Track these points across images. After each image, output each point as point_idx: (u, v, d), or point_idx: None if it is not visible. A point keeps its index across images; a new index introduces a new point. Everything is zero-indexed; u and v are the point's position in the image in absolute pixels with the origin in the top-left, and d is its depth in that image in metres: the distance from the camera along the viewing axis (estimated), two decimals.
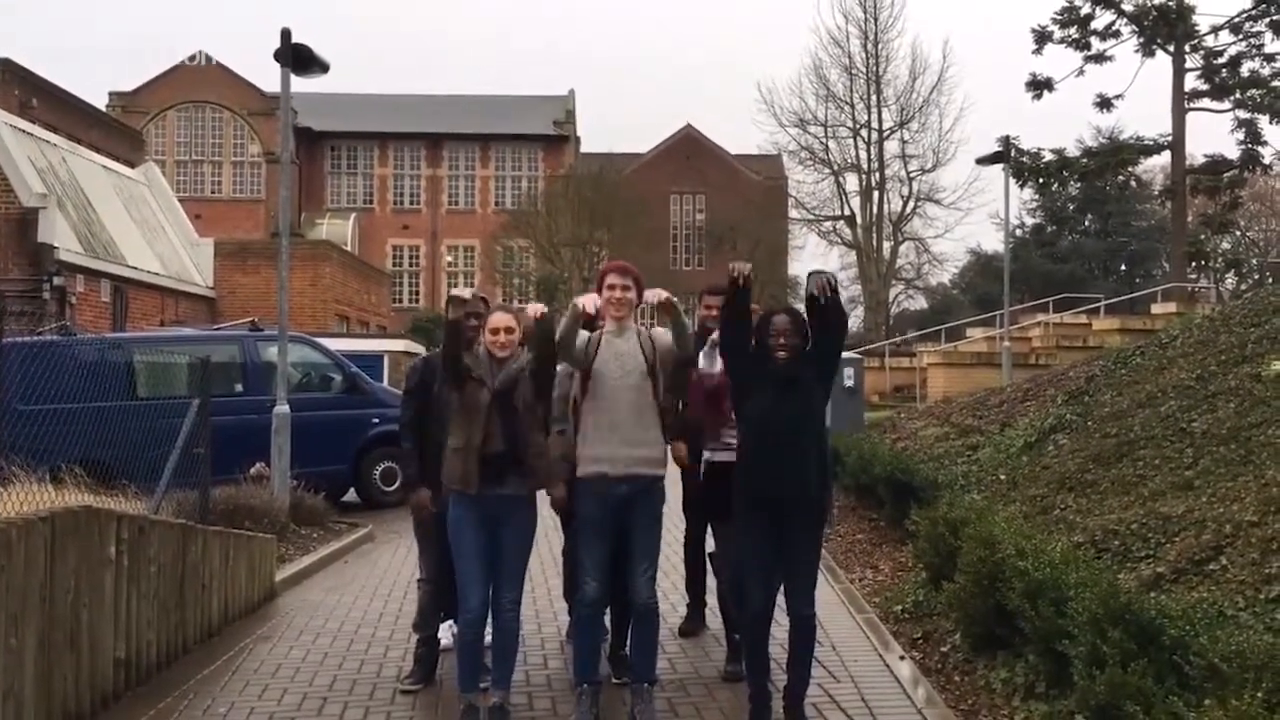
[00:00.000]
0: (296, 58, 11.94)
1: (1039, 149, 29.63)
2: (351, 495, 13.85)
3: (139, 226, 25.92)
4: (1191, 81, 29.28)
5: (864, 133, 44.82)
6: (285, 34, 11.89)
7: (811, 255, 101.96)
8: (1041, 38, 29.37)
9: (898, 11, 57.53)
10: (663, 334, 5.55)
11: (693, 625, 7.05)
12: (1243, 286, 40.08)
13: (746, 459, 5.28)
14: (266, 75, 46.13)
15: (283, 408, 11.40)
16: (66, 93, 28.68)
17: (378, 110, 53.07)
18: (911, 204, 45.60)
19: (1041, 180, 30.64)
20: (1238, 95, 28.78)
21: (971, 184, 51.23)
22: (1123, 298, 33.19)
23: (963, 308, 44.43)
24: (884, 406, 23.01)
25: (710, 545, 6.60)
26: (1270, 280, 32.95)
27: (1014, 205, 38.06)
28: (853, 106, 44.79)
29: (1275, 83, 28.54)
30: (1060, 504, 8.33)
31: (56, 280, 20.47)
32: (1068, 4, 29.28)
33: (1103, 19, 29.35)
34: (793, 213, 48.49)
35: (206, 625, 7.24)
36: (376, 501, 13.61)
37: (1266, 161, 29.24)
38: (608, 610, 5.85)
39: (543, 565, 8.42)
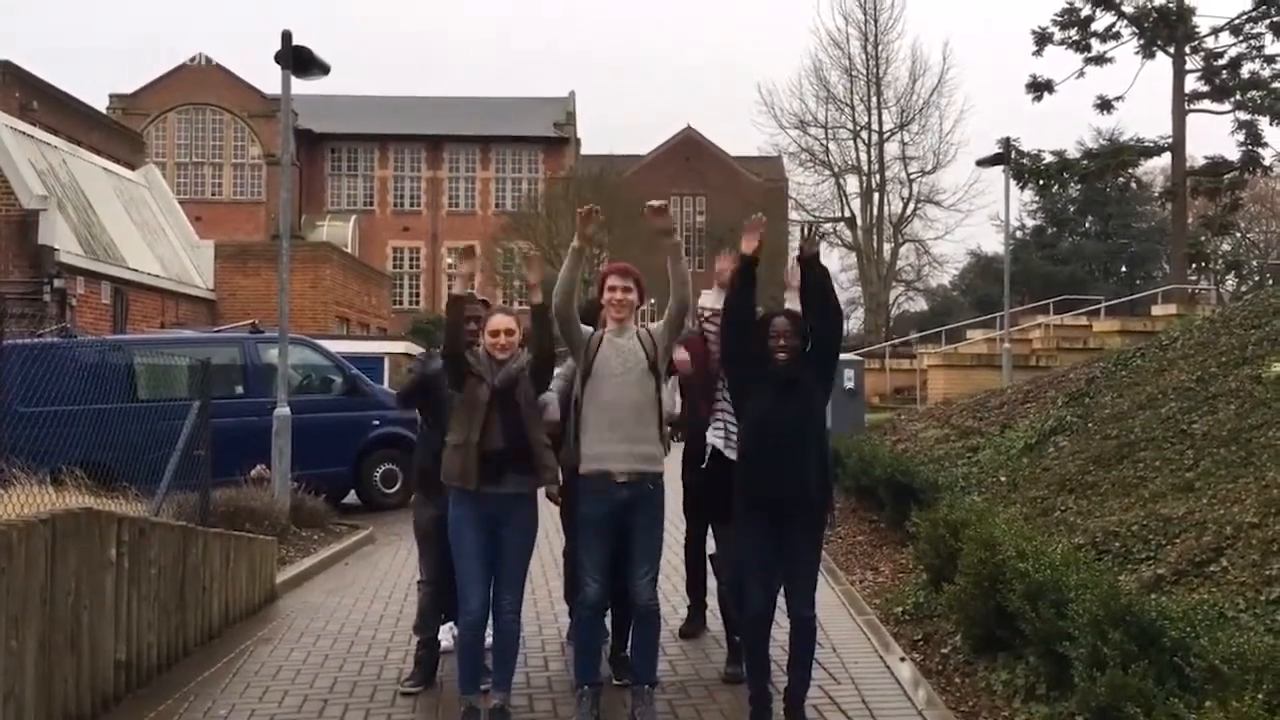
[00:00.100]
0: (297, 60, 11.95)
1: (1039, 151, 29.69)
2: (352, 497, 13.85)
3: (139, 229, 25.94)
4: (1192, 83, 29.32)
5: (864, 134, 44.90)
6: (286, 36, 11.90)
7: None
8: (1042, 39, 29.39)
9: (898, 13, 57.77)
10: (659, 325, 5.57)
11: (693, 627, 7.05)
12: (1243, 288, 40.07)
13: (747, 460, 5.29)
14: (267, 77, 46.23)
15: (283, 410, 11.40)
16: (67, 95, 28.71)
17: (378, 112, 53.12)
18: (912, 206, 45.70)
19: (1042, 182, 30.65)
20: (1238, 97, 28.80)
21: (972, 186, 51.38)
22: (1123, 299, 33.19)
23: (963, 309, 44.45)
24: (884, 408, 23.02)
25: (711, 547, 6.60)
26: (1271, 282, 32.95)
27: (1014, 207, 38.13)
28: (853, 108, 44.88)
29: (1275, 84, 28.56)
30: (1061, 506, 8.33)
31: (57, 282, 20.48)
32: (1068, 5, 29.31)
33: (1103, 21, 29.42)
34: (793, 214, 48.48)
35: (207, 627, 7.24)
36: (377, 504, 13.61)
37: (1267, 163, 29.26)
38: (608, 612, 5.85)
39: (543, 567, 8.42)
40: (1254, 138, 28.55)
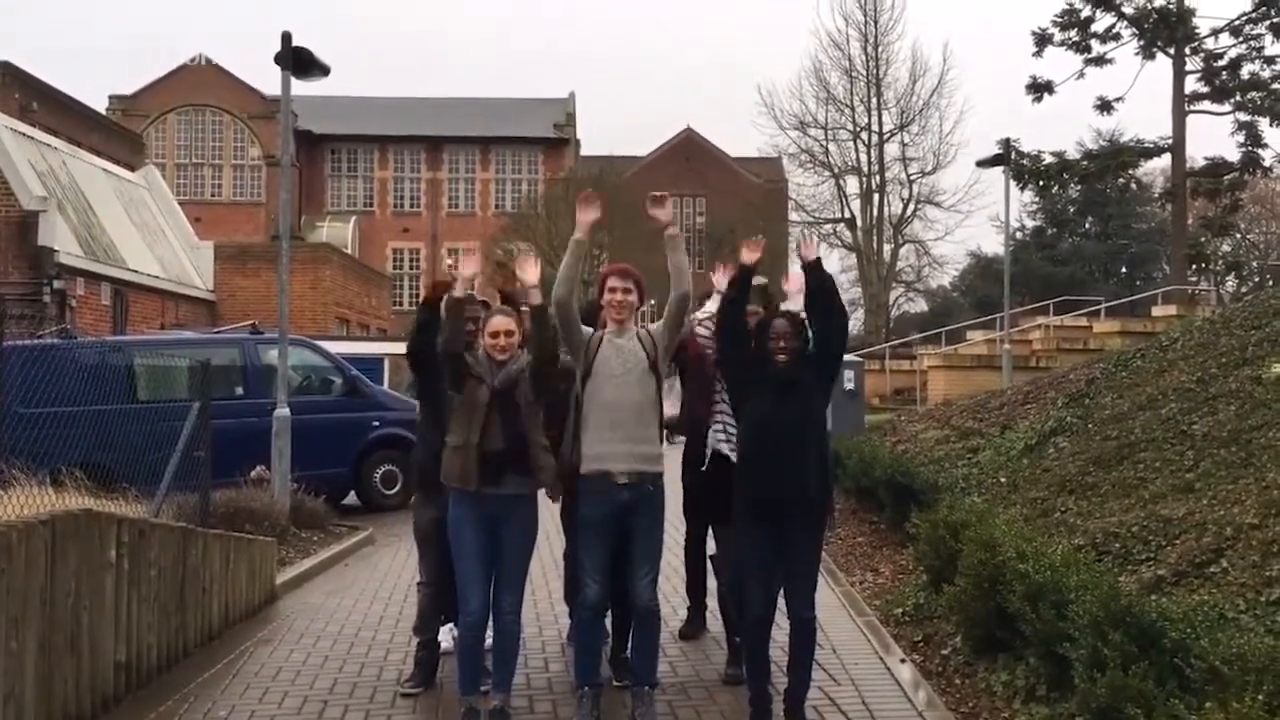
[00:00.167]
0: (297, 61, 11.95)
1: (1039, 152, 29.72)
2: (352, 498, 13.84)
3: (139, 230, 25.95)
4: (1192, 84, 29.33)
5: (864, 135, 44.87)
6: (286, 37, 11.90)
7: None
8: (1041, 40, 29.40)
9: (898, 14, 57.80)
10: (658, 325, 5.57)
11: (693, 628, 7.05)
12: (1243, 289, 40.08)
13: (747, 461, 5.29)
14: (267, 78, 46.19)
15: (283, 411, 11.40)
16: (67, 96, 28.72)
17: (378, 113, 53.13)
18: (912, 206, 45.67)
19: (1042, 183, 30.67)
20: (1238, 98, 28.82)
21: (972, 187, 51.16)
22: (1123, 300, 33.18)
23: (963, 310, 44.45)
24: (884, 409, 23.01)
25: (711, 548, 6.60)
26: (1271, 283, 32.95)
27: (1014, 208, 38.07)
28: (853, 109, 44.86)
29: (1275, 85, 28.58)
30: (1061, 506, 8.33)
31: (57, 283, 20.49)
32: (1068, 6, 29.33)
33: (1103, 22, 29.44)
34: (793, 215, 48.51)
35: (207, 628, 7.24)
36: (377, 505, 13.60)
37: (1267, 164, 29.28)
38: (609, 613, 5.85)
39: (543, 568, 8.41)
40: (1254, 139, 28.56)
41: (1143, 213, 48.46)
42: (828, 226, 46.78)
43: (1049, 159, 29.67)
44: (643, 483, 5.34)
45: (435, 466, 5.68)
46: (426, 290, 6.02)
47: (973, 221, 51.69)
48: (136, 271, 24.14)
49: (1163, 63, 29.50)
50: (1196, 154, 31.60)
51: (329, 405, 13.75)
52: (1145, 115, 46.31)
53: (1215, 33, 29.15)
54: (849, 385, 16.58)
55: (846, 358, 20.08)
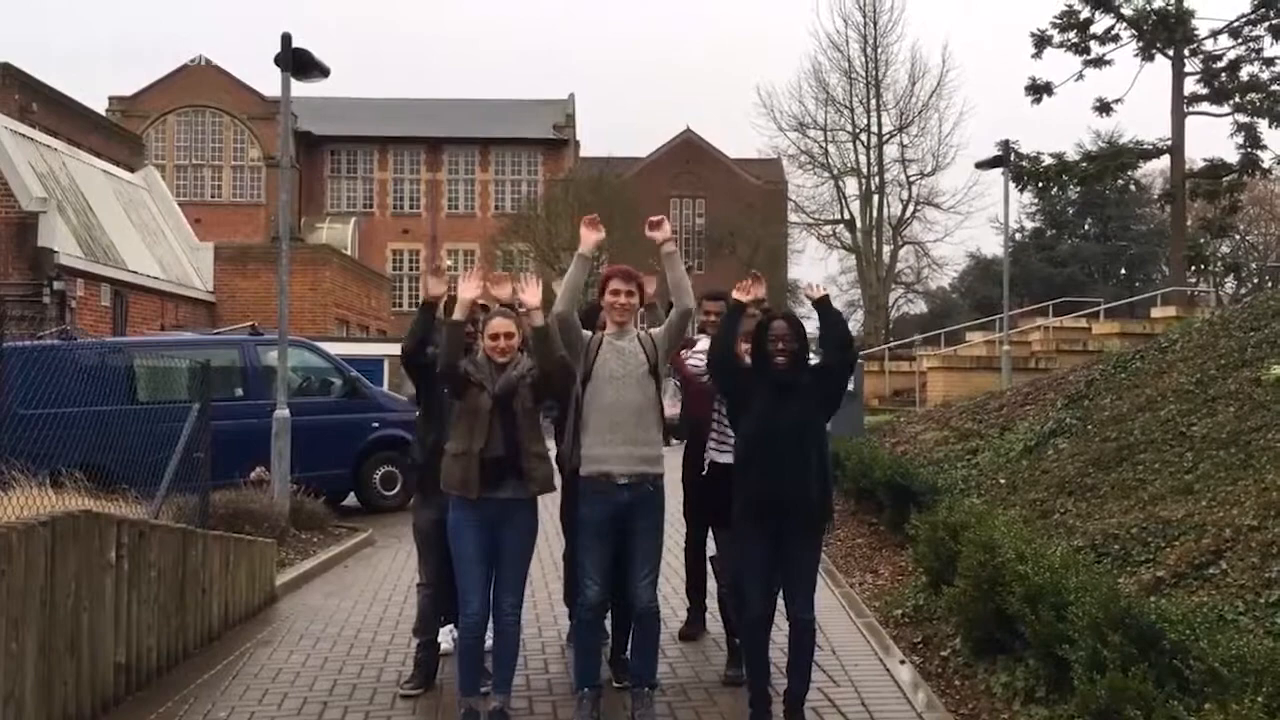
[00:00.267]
0: (297, 62, 11.96)
1: (1038, 153, 29.74)
2: (351, 499, 13.84)
3: (139, 231, 25.95)
4: (1191, 85, 29.35)
5: (863, 137, 44.89)
6: (286, 39, 11.91)
7: (811, 259, 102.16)
8: (1041, 42, 29.41)
9: (896, 16, 57.63)
10: (659, 330, 5.57)
11: (693, 629, 7.05)
12: (1242, 290, 40.12)
13: (746, 463, 5.29)
14: (267, 79, 46.19)
15: (283, 412, 11.40)
16: (66, 97, 28.71)
17: (377, 114, 53.11)
18: (911, 208, 45.71)
19: (1041, 184, 30.69)
20: (1237, 99, 28.83)
21: (971, 188, 51.20)
22: (1122, 301, 33.21)
23: (962, 311, 44.51)
24: (884, 410, 23.00)
25: (711, 549, 6.60)
26: (1270, 284, 32.96)
27: (1013, 209, 38.04)
28: (852, 110, 44.88)
29: (1274, 87, 28.58)
30: (1060, 508, 8.33)
31: (57, 284, 20.50)
32: (1067, 8, 29.34)
33: (1102, 23, 29.45)
34: (792, 217, 48.59)
35: (206, 630, 7.24)
36: (376, 506, 13.60)
37: (1265, 165, 29.27)
38: (608, 614, 5.85)
39: (543, 569, 8.42)
40: (1253, 140, 28.57)
41: (1142, 214, 48.53)
42: (827, 227, 46.87)
43: (1048, 160, 29.68)
44: (643, 483, 5.35)
45: (434, 468, 5.68)
46: (425, 295, 6.00)
47: (972, 223, 51.90)
48: (136, 273, 24.15)
49: (1162, 64, 29.53)
50: (1195, 155, 31.66)
51: (329, 406, 13.75)
52: (1144, 117, 46.51)
53: (1214, 34, 29.20)
54: (848, 387, 16.57)
55: None
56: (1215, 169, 29.43)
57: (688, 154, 56.73)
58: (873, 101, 44.71)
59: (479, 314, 5.88)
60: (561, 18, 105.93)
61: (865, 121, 44.70)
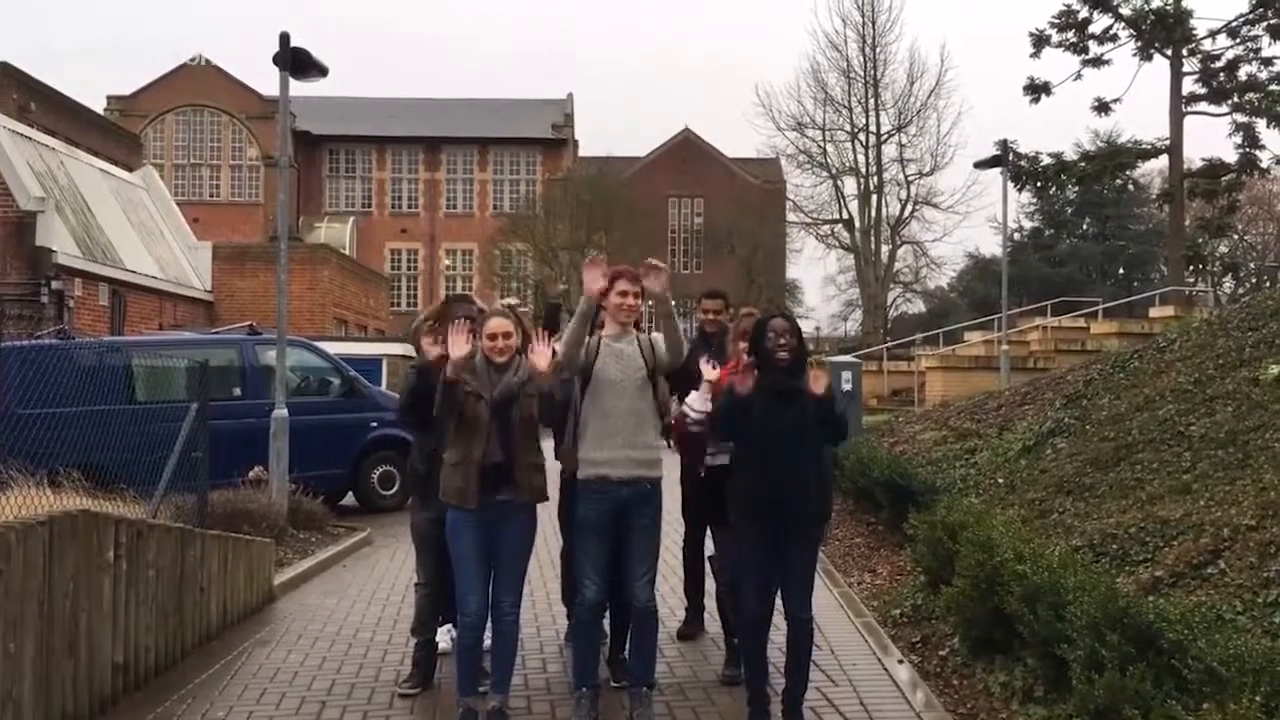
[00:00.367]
0: (295, 62, 11.95)
1: (1037, 153, 29.77)
2: (350, 499, 13.84)
3: (137, 230, 25.93)
4: (1189, 85, 29.37)
5: (862, 136, 44.91)
6: (284, 38, 11.90)
7: (809, 259, 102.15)
8: (1039, 41, 29.42)
9: (895, 16, 57.55)
10: (661, 339, 5.55)
11: (691, 629, 7.05)
12: (1240, 290, 40.13)
13: (746, 463, 5.28)
14: (265, 79, 46.17)
15: (281, 411, 11.40)
16: (65, 96, 28.68)
17: (376, 114, 53.09)
18: (909, 207, 45.76)
19: (1039, 184, 30.71)
20: (1235, 99, 28.85)
21: (969, 188, 51.22)
22: (1120, 301, 33.21)
23: (961, 311, 44.50)
24: (882, 410, 23.01)
25: (709, 548, 6.60)
26: (1268, 284, 32.98)
27: (1012, 209, 38.05)
28: (850, 110, 44.91)
29: (1273, 86, 28.60)
30: (1058, 508, 8.34)
31: (55, 284, 20.47)
32: (1065, 8, 29.35)
33: (1100, 23, 29.47)
34: (791, 216, 48.59)
35: (205, 629, 7.24)
36: (375, 505, 13.59)
37: (1264, 165, 29.31)
38: (606, 613, 5.85)
39: (541, 568, 8.42)
40: (1251, 140, 28.60)
41: (1140, 214, 48.56)
42: (826, 227, 46.87)
43: (1047, 160, 29.71)
44: (641, 482, 5.34)
45: (432, 468, 5.67)
46: (434, 359, 5.70)
47: (971, 222, 51.97)
48: (134, 272, 24.12)
49: (1160, 64, 29.56)
50: (1194, 155, 31.69)
51: (327, 406, 13.75)
52: (1143, 117, 46.56)
53: (1213, 34, 29.22)
54: (847, 386, 16.59)
55: (844, 358, 20.08)
56: (1213, 169, 29.45)
57: (686, 153, 56.72)
58: (871, 101, 44.76)
59: (475, 311, 5.89)
60: (560, 18, 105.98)
61: (864, 121, 44.78)
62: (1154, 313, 26.53)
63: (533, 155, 54.29)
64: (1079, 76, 29.93)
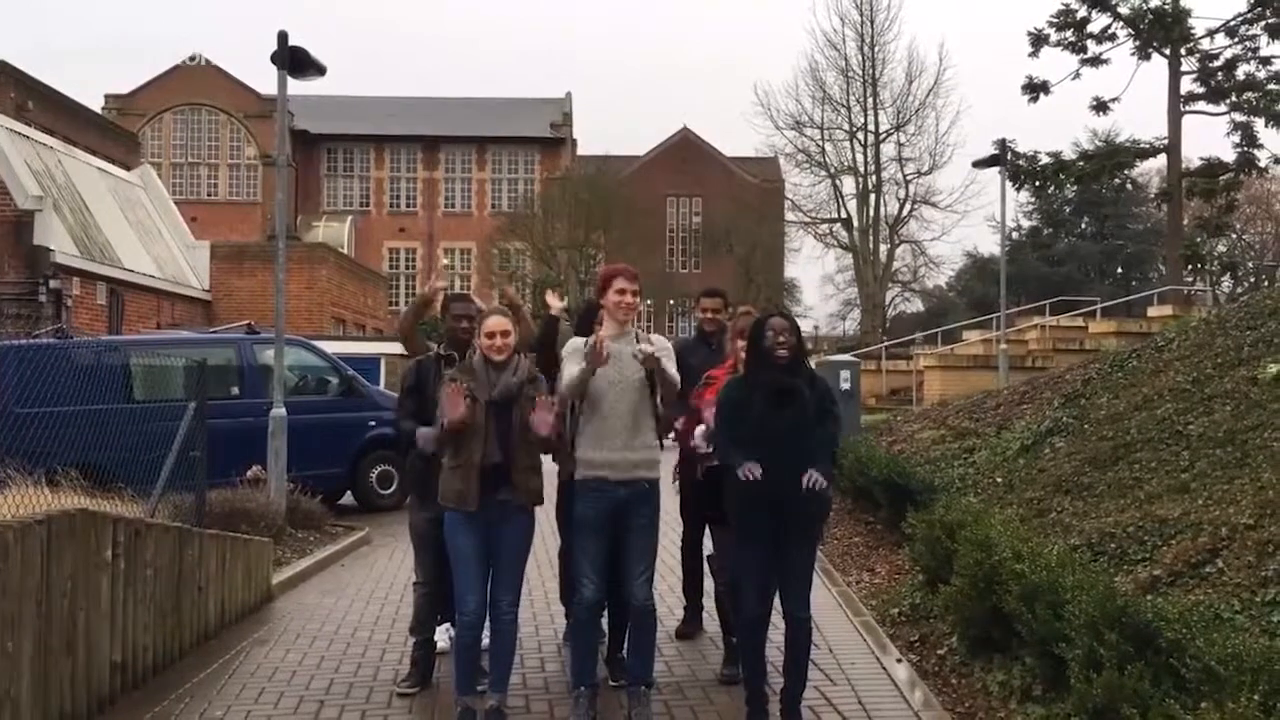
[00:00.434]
0: (293, 61, 11.94)
1: (1035, 152, 29.77)
2: (348, 498, 13.83)
3: (135, 229, 25.91)
4: (1187, 85, 29.37)
5: (860, 135, 44.91)
6: (282, 37, 11.89)
7: (808, 258, 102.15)
8: (1038, 41, 29.42)
9: (893, 14, 57.69)
10: (662, 341, 5.55)
11: (690, 628, 7.05)
12: (1239, 289, 40.17)
13: (744, 462, 5.27)
14: (263, 78, 46.15)
15: (279, 411, 11.39)
16: (62, 95, 28.64)
17: (374, 113, 53.08)
18: (908, 207, 45.78)
19: (1038, 183, 30.71)
20: (1233, 98, 28.86)
21: (968, 187, 51.47)
22: (1119, 300, 33.23)
23: (959, 310, 44.49)
24: (880, 409, 23.02)
25: (708, 547, 6.60)
26: (1266, 283, 33.00)
27: (1010, 208, 38.03)
28: (849, 109, 44.91)
29: (1271, 86, 28.61)
30: (1057, 507, 8.34)
31: (53, 283, 20.46)
32: (1064, 7, 29.34)
33: (1099, 22, 29.46)
34: (789, 215, 48.58)
35: (203, 629, 7.23)
36: (373, 505, 13.59)
37: (1262, 164, 29.33)
38: (605, 612, 5.85)
39: (540, 567, 8.41)
40: (1249, 139, 28.61)
41: (1138, 213, 48.56)
42: (824, 226, 46.87)
43: (1045, 159, 29.71)
44: (639, 482, 5.34)
45: (429, 468, 5.66)
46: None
47: (969, 222, 51.89)
48: (132, 271, 24.10)
49: (1158, 63, 29.56)
50: (1192, 154, 31.73)
51: (325, 405, 13.74)
52: (1141, 116, 46.44)
53: (1211, 33, 29.23)
54: (845, 385, 16.59)
55: (842, 357, 20.03)
56: (1212, 168, 29.47)
57: (685, 152, 56.73)
58: (870, 100, 44.76)
59: (472, 309, 5.88)
60: (558, 17, 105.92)
61: (862, 120, 44.78)
62: (1152, 312, 26.54)
63: (531, 154, 54.29)
64: (1077, 76, 29.96)
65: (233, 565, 7.85)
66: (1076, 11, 29.29)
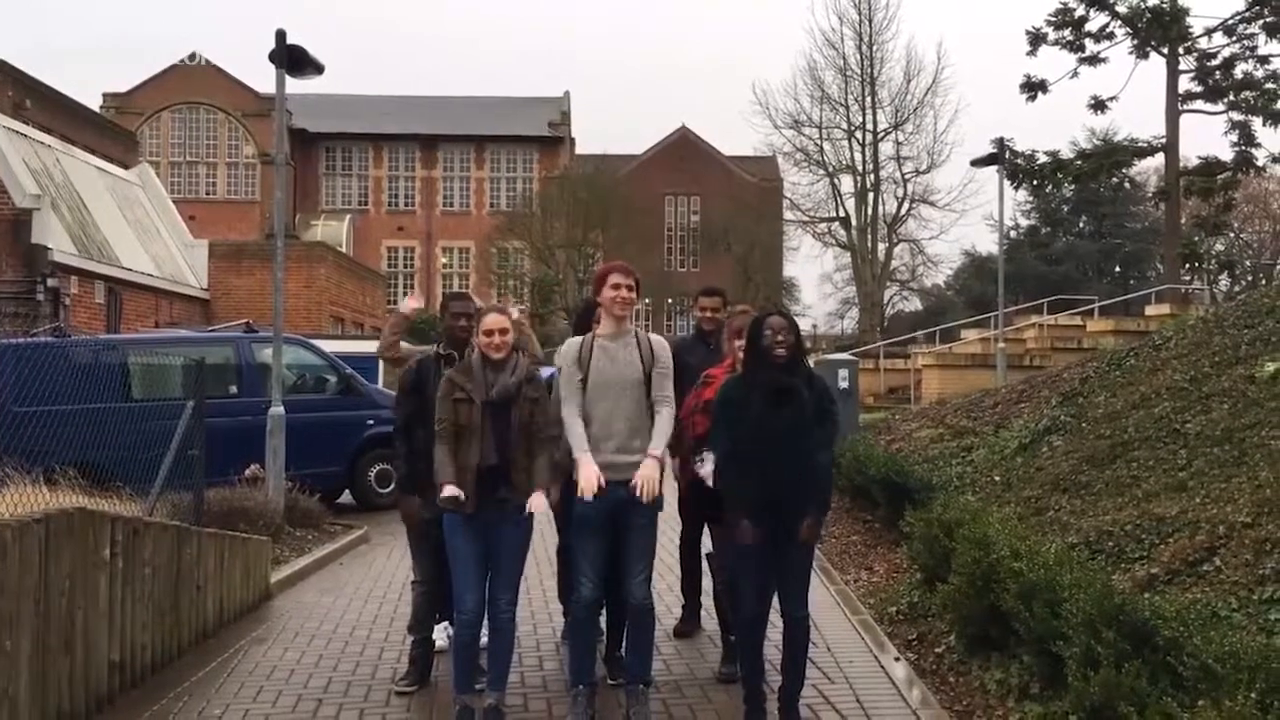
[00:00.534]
0: (291, 59, 11.94)
1: (1033, 151, 29.80)
2: (346, 497, 13.83)
3: (133, 228, 25.89)
4: (1185, 83, 29.36)
5: (859, 134, 44.84)
6: (280, 35, 11.89)
7: (806, 257, 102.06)
8: (1036, 39, 29.42)
9: (892, 13, 57.51)
10: (661, 343, 5.55)
11: (688, 626, 7.05)
12: (1236, 288, 40.18)
13: (744, 461, 5.27)
14: (261, 76, 46.11)
15: (277, 409, 11.39)
16: (61, 94, 28.62)
17: (372, 111, 53.03)
18: (906, 205, 45.70)
19: (1036, 182, 30.72)
20: (1231, 97, 28.85)
21: (966, 186, 51.43)
22: (1117, 299, 33.29)
23: (957, 309, 44.51)
24: (878, 408, 23.02)
25: (706, 546, 6.60)
26: (1264, 281, 33.02)
27: (1008, 207, 38.11)
28: (847, 108, 44.84)
29: (1268, 85, 28.60)
30: (1054, 505, 8.35)
31: (51, 282, 20.44)
32: (1062, 5, 29.33)
33: (1096, 21, 29.46)
34: (787, 214, 48.52)
35: (201, 627, 7.24)
36: (371, 503, 13.58)
37: (1260, 163, 29.31)
38: (603, 611, 5.85)
39: (538, 566, 8.42)
40: (1247, 138, 28.60)
41: (1136, 212, 48.60)
42: (822, 225, 46.85)
43: (1043, 158, 29.73)
44: None
45: (426, 468, 5.66)
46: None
47: (967, 220, 51.99)
48: (130, 270, 24.08)
49: (1156, 62, 29.57)
50: (1190, 153, 31.72)
51: (324, 404, 13.74)
52: (1139, 114, 46.58)
53: (1209, 32, 29.22)
54: (844, 384, 16.58)
55: (841, 356, 20.04)
56: (1209, 166, 29.47)
57: (683, 151, 56.72)
58: (868, 99, 44.68)
59: (471, 307, 5.88)
60: (557, 16, 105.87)
61: (860, 119, 44.69)
62: (1150, 310, 26.55)
63: (529, 153, 54.24)
64: (1075, 74, 29.95)
65: (231, 564, 7.85)
66: (1075, 10, 29.30)
